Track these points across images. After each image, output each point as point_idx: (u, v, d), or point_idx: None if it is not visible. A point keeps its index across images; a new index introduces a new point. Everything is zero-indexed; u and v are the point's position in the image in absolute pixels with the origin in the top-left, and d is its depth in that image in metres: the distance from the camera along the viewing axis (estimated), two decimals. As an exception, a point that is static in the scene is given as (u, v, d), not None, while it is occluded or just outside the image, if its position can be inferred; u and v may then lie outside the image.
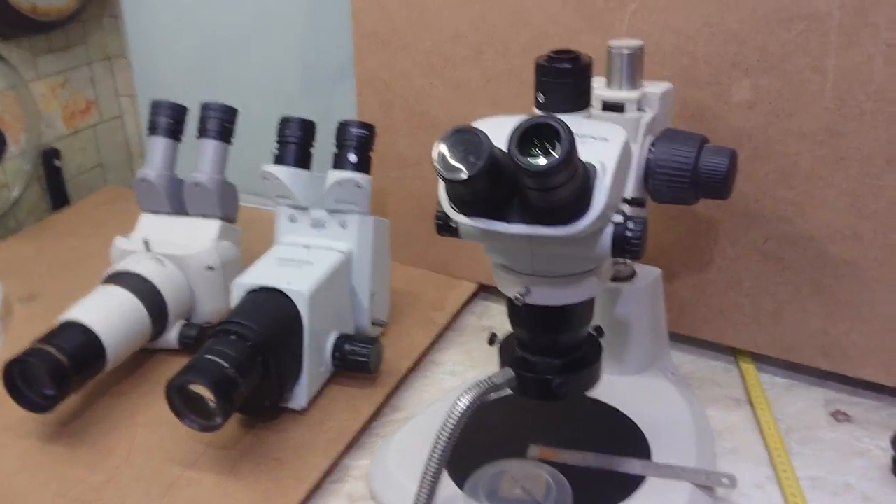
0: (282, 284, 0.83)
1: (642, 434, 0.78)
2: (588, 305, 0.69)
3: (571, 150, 0.51)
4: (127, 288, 0.89)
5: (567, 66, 0.63)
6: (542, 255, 0.63)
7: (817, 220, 0.82)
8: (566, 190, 0.54)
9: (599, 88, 0.76)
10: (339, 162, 0.90)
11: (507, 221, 0.58)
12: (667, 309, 0.93)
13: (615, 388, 0.85)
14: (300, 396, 0.84)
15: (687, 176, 0.72)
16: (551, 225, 0.57)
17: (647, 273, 0.86)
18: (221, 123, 0.98)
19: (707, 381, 0.91)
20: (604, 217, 0.58)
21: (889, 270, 0.81)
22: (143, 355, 0.93)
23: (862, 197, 0.80)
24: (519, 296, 0.65)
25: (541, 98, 0.65)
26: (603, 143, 0.60)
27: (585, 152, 0.58)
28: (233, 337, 0.78)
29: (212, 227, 0.98)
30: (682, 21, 0.82)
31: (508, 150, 0.52)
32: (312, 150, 0.93)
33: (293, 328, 0.82)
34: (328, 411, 0.85)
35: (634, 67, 0.76)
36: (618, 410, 0.82)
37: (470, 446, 0.70)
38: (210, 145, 0.98)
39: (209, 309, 0.96)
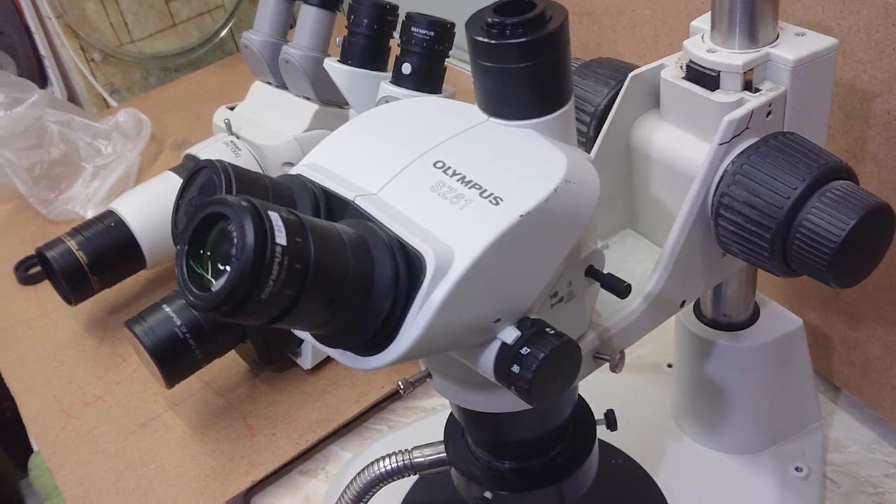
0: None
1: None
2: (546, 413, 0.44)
3: (259, 271, 0.27)
4: (185, 179, 0.79)
5: (515, 37, 0.35)
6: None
7: None
8: (303, 319, 0.30)
9: (694, 42, 0.44)
10: (395, 72, 0.67)
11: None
12: (847, 362, 0.60)
13: (686, 467, 0.58)
14: (305, 356, 0.70)
15: (766, 232, 0.39)
16: (337, 347, 0.34)
17: (777, 322, 0.54)
18: (325, -14, 0.79)
19: (865, 490, 0.58)
20: (431, 345, 0.33)
21: None
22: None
23: None
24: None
25: (474, 84, 0.38)
26: (485, 207, 0.33)
27: (438, 220, 0.33)
28: (206, 285, 0.65)
29: (306, 112, 0.82)
30: None
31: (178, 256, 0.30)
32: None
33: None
34: (337, 381, 0.70)
35: (755, 5, 0.41)
36: (668, 510, 0.55)
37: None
38: (310, 14, 0.80)
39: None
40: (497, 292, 0.33)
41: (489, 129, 0.37)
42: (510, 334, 0.34)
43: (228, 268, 0.27)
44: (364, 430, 0.68)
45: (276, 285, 0.27)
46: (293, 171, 0.38)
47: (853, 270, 0.39)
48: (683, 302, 0.45)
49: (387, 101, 0.66)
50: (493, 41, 0.35)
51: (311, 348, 0.69)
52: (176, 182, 0.79)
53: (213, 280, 0.28)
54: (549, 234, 0.34)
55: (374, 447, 0.64)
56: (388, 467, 0.49)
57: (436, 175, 0.35)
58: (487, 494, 0.46)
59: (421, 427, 0.65)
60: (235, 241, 0.27)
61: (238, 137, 0.82)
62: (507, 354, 0.34)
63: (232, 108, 0.88)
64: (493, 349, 0.35)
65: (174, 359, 0.62)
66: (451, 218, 0.33)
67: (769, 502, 0.55)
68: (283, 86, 0.86)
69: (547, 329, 0.35)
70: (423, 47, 0.65)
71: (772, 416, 0.57)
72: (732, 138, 0.41)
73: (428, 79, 0.66)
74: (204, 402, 0.70)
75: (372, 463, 0.50)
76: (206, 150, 0.80)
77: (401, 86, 0.66)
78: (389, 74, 0.70)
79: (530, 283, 0.35)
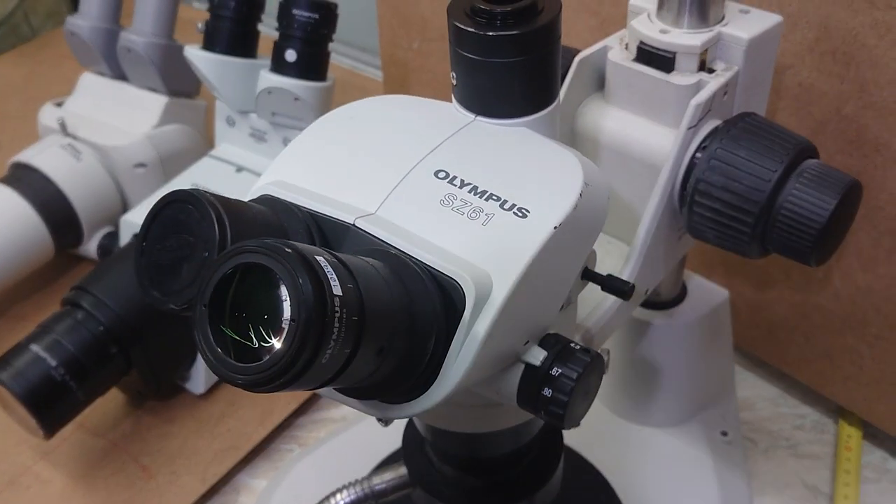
0: (174, 235, 0.60)
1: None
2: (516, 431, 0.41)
3: (321, 331, 0.22)
4: (20, 190, 0.68)
5: (507, 29, 0.32)
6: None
7: None
8: (351, 378, 0.26)
9: (642, 22, 0.43)
10: (275, 60, 0.61)
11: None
12: (752, 325, 0.62)
13: (621, 446, 0.58)
14: (196, 380, 0.63)
15: (748, 217, 0.39)
16: (371, 399, 0.30)
17: (706, 296, 0.55)
18: (166, -37, 0.71)
19: (780, 445, 0.61)
20: (472, 381, 0.29)
21: None
22: (68, 263, 0.75)
23: None
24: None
25: (453, 79, 0.34)
26: (512, 221, 0.30)
27: (461, 240, 0.29)
28: (80, 316, 0.57)
29: (154, 106, 0.74)
30: None
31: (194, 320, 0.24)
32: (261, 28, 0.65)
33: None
34: (235, 402, 0.64)
35: (708, -16, 0.41)
36: (612, 492, 0.55)
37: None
38: (151, -6, 0.72)
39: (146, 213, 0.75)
40: (531, 313, 0.30)
41: (482, 130, 0.34)
42: (537, 355, 0.32)
43: (273, 333, 0.22)
44: (273, 453, 0.63)
45: (337, 345, 0.23)
46: (256, 190, 0.33)
47: (829, 248, 0.40)
48: (647, 290, 0.44)
49: (269, 93, 0.61)
50: (489, 33, 0.31)
51: (203, 370, 0.62)
52: (9, 197, 0.68)
53: (243, 342, 0.23)
54: (575, 243, 0.31)
55: (295, 470, 0.59)
56: (347, 499, 0.45)
57: (442, 187, 0.31)
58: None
59: (338, 443, 0.61)
60: (286, 297, 0.22)
61: (76, 139, 0.72)
62: (534, 377, 0.32)
63: (59, 105, 0.77)
64: (515, 373, 0.32)
65: (52, 405, 0.54)
66: (475, 236, 0.29)
67: (705, 469, 0.57)
68: (120, 76, 0.76)
69: (572, 345, 0.32)
70: (307, 32, 0.59)
71: (699, 386, 0.58)
72: (698, 122, 0.40)
73: (315, 66, 0.60)
74: (81, 446, 0.62)
75: (326, 498, 0.46)
76: (41, 156, 0.70)
77: (284, 74, 0.60)
78: (261, 61, 0.64)
79: (557, 297, 0.32)
